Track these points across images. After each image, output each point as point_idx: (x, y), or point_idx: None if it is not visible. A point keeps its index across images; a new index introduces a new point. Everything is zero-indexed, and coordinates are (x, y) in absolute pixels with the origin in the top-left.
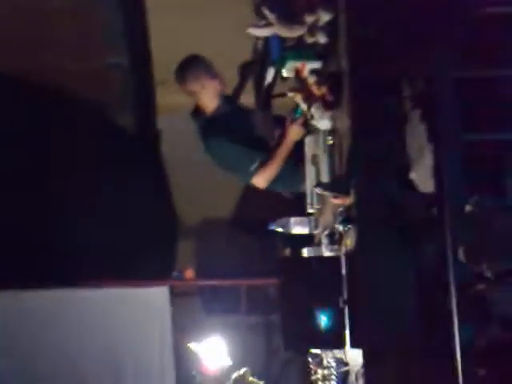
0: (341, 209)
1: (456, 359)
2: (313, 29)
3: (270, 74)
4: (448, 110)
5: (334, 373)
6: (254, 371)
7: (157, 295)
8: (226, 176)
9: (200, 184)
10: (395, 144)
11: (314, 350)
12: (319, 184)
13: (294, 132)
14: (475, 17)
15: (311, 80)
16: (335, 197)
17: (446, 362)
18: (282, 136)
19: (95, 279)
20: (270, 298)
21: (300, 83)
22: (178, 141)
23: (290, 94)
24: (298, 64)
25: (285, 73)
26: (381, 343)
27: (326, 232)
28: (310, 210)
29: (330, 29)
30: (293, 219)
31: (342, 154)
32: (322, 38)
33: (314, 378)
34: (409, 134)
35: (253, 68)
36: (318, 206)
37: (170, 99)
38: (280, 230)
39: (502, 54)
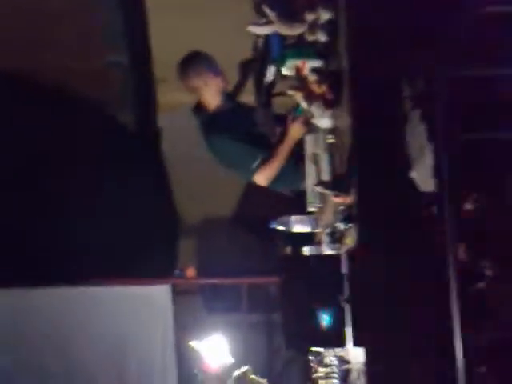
0: (341, 207)
1: (456, 359)
2: (313, 27)
3: (271, 72)
4: (448, 110)
5: (336, 371)
6: (256, 370)
7: (159, 294)
8: (228, 174)
9: (201, 182)
10: (396, 143)
11: (315, 349)
12: (320, 183)
13: (296, 130)
14: (475, 16)
15: (311, 78)
16: (336, 195)
17: (446, 362)
18: (284, 134)
19: (97, 278)
20: (271, 297)
21: (300, 81)
22: (179, 139)
23: (291, 93)
24: (298, 62)
25: (285, 71)
26: (382, 342)
27: (327, 231)
28: (311, 209)
29: (331, 27)
30: (293, 218)
31: (342, 152)
32: (322, 37)
33: (315, 376)
34: (409, 133)
35: (253, 66)
36: (318, 205)
37: (170, 97)
38: (281, 228)
39: (502, 53)
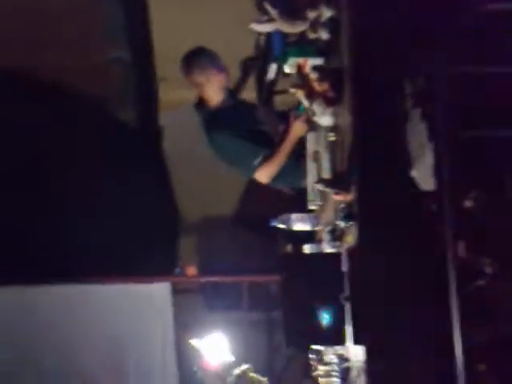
0: (342, 205)
1: (455, 357)
2: (315, 25)
3: (272, 69)
4: (448, 109)
5: (336, 369)
6: (256, 368)
7: (159, 291)
8: (229, 171)
9: (202, 180)
10: (396, 142)
11: (315, 347)
12: (321, 180)
13: (298, 128)
14: (476, 14)
15: (313, 76)
16: (337, 193)
17: (446, 360)
18: (286, 132)
19: (98, 275)
20: (271, 295)
21: (302, 79)
22: (180, 136)
23: (292, 91)
24: (300, 60)
25: (287, 69)
26: (382, 340)
27: (328, 229)
28: (312, 207)
29: (332, 25)
30: (294, 216)
31: (343, 150)
32: (324, 34)
33: (315, 374)
34: (409, 132)
35: (255, 63)
36: (319, 203)
37: (171, 95)
38: (281, 226)
39: (503, 51)
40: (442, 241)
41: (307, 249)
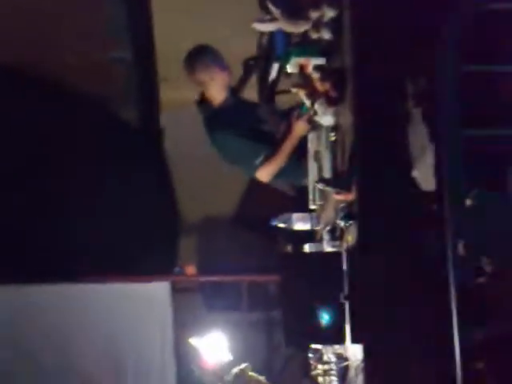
0: (342, 205)
1: (454, 356)
2: (317, 25)
3: (275, 69)
4: (449, 108)
5: (334, 368)
6: (255, 367)
7: (158, 290)
8: (230, 171)
9: (202, 180)
10: (397, 142)
11: (314, 346)
12: (321, 180)
13: (300, 128)
14: (477, 13)
15: (315, 76)
16: (337, 193)
17: (446, 360)
18: (288, 131)
19: (97, 274)
20: (271, 295)
21: (304, 79)
22: (181, 136)
23: (294, 90)
24: (302, 60)
25: (289, 68)
26: (381, 339)
27: (328, 228)
28: (312, 207)
29: (335, 25)
30: (295, 215)
31: (344, 150)
32: (326, 34)
33: (314, 373)
34: (411, 132)
35: (257, 63)
36: (320, 203)
37: (172, 95)
38: (282, 225)
39: (503, 50)
40: (441, 240)
41: (307, 248)
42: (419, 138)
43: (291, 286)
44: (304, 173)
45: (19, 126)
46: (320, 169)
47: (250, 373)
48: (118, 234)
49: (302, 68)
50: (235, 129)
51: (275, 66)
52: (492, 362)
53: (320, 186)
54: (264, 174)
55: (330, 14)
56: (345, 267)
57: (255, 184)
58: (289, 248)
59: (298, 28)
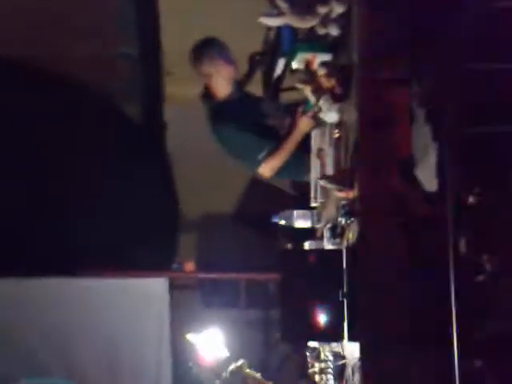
0: (344, 202)
1: (455, 356)
2: (325, 20)
3: (281, 64)
4: (453, 108)
5: (331, 366)
6: (252, 365)
7: (156, 286)
8: (231, 167)
9: (203, 177)
10: (401, 140)
11: (311, 344)
12: (324, 177)
13: (304, 124)
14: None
15: (321, 72)
16: (340, 190)
17: (446, 359)
18: (292, 127)
19: (96, 269)
20: (269, 294)
21: (309, 75)
22: (184, 133)
23: (299, 86)
24: (308, 56)
25: (295, 64)
26: (379, 337)
27: (329, 225)
28: (314, 204)
29: (343, 21)
30: (296, 212)
31: (347, 147)
32: (333, 30)
33: (310, 371)
34: (414, 132)
35: (263, 58)
36: (321, 200)
37: (177, 90)
38: (283, 222)
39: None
40: (442, 239)
41: (307, 246)
42: (422, 138)
43: (290, 283)
44: (306, 169)
45: (22, 119)
46: (323, 166)
47: (247, 370)
48: (117, 229)
49: (308, 64)
50: (239, 123)
51: (281, 62)
52: (493, 361)
53: (322, 182)
54: (266, 169)
55: (338, 9)
56: (344, 265)
57: (256, 181)
58: (289, 245)
59: (305, 23)
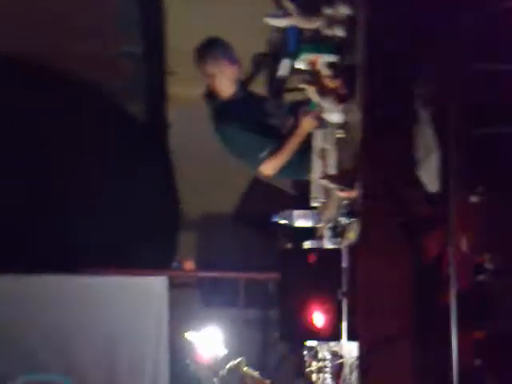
0: (345, 202)
1: (455, 355)
2: (331, 21)
3: (285, 65)
4: (457, 109)
5: (329, 365)
6: (249, 364)
7: (156, 284)
8: (234, 166)
9: (205, 176)
10: (404, 141)
11: (309, 343)
12: (326, 176)
13: (307, 124)
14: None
15: (325, 73)
16: (341, 190)
17: (444, 358)
18: (295, 127)
19: (96, 266)
20: (268, 293)
21: (314, 76)
22: (186, 132)
23: (303, 87)
24: (312, 56)
25: (300, 65)
26: (378, 337)
27: (329, 225)
28: (315, 204)
29: (348, 22)
30: (296, 212)
31: (351, 147)
32: (339, 32)
33: (308, 370)
34: (417, 133)
35: (267, 58)
36: (322, 200)
37: (181, 90)
38: (283, 222)
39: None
40: (443, 238)
41: (308, 245)
42: (425, 140)
43: (289, 282)
44: (308, 169)
45: (24, 117)
46: (325, 166)
47: (245, 368)
48: (118, 227)
49: (312, 64)
50: (242, 122)
51: (286, 62)
52: (493, 360)
53: (324, 182)
54: (268, 168)
55: (343, 11)
56: (344, 264)
57: (257, 181)
58: (289, 245)
59: (311, 24)
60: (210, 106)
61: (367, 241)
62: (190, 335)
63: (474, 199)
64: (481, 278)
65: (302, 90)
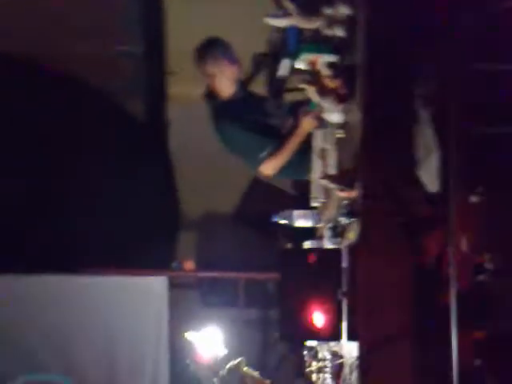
0: (345, 202)
1: (455, 355)
2: (331, 22)
3: (285, 65)
4: (457, 109)
5: (329, 365)
6: (249, 364)
7: (155, 284)
8: (233, 167)
9: (205, 176)
10: (404, 141)
11: (309, 343)
12: (326, 176)
13: (307, 124)
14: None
15: (325, 73)
16: (341, 190)
17: (444, 358)
18: (295, 127)
19: (96, 266)
20: (268, 293)
21: (314, 76)
22: (187, 132)
23: (303, 87)
24: (312, 56)
25: (299, 65)
26: (378, 337)
27: (329, 225)
28: (315, 204)
29: (348, 22)
30: (296, 212)
31: (351, 147)
32: (339, 32)
33: (307, 370)
34: (417, 133)
35: (267, 58)
36: (322, 200)
37: (182, 89)
38: (283, 222)
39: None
40: (443, 238)
41: (308, 245)
42: (425, 140)
43: (289, 282)
44: (307, 169)
45: (25, 116)
46: (325, 166)
47: (245, 368)
48: (118, 227)
49: (312, 64)
50: (242, 122)
51: (286, 62)
52: (493, 360)
53: (324, 182)
54: (268, 168)
55: (343, 11)
56: (344, 264)
57: (257, 181)
58: (289, 245)
59: (311, 24)
60: (210, 106)
61: (367, 241)
62: (189, 335)
63: (474, 199)
64: (481, 277)
65: (302, 90)
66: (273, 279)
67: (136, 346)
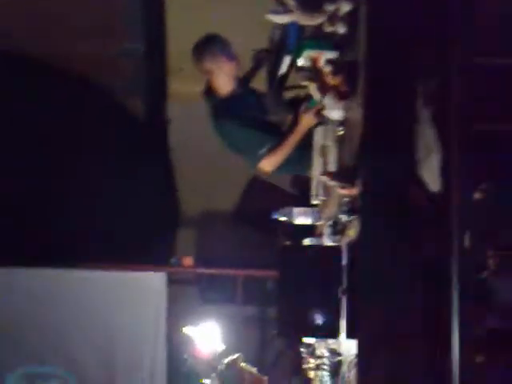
0: (346, 199)
1: (456, 351)
2: (333, 18)
3: (286, 62)
4: (458, 108)
5: (327, 363)
6: (247, 361)
7: (154, 280)
8: (232, 164)
9: (204, 173)
10: (405, 139)
11: (307, 340)
12: (326, 173)
13: (307, 120)
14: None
15: (326, 69)
16: (342, 187)
17: (444, 356)
18: (295, 123)
19: (95, 261)
20: (267, 290)
21: (315, 72)
22: (187, 130)
23: (304, 83)
24: (314, 53)
25: (301, 61)
26: (378, 335)
27: (329, 223)
28: (315, 201)
29: (350, 19)
30: (296, 209)
31: (351, 144)
32: (341, 28)
33: (305, 367)
34: (418, 132)
35: (268, 55)
36: (322, 198)
37: (181, 88)
38: (283, 219)
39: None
40: (443, 236)
41: (307, 242)
42: (425, 139)
43: (288, 279)
44: (307, 166)
45: (25, 116)
46: (325, 163)
47: (243, 363)
48: (117, 223)
49: (313, 61)
50: (241, 118)
51: (286, 59)
52: (494, 357)
53: (325, 179)
54: (267, 165)
55: (345, 7)
56: (344, 262)
57: (257, 179)
58: (288, 242)
59: (313, 21)
60: (209, 103)
61: (367, 239)
62: (188, 330)
63: (476, 196)
64: (481, 277)
65: (303, 86)
66: (271, 277)
67: (134, 342)
